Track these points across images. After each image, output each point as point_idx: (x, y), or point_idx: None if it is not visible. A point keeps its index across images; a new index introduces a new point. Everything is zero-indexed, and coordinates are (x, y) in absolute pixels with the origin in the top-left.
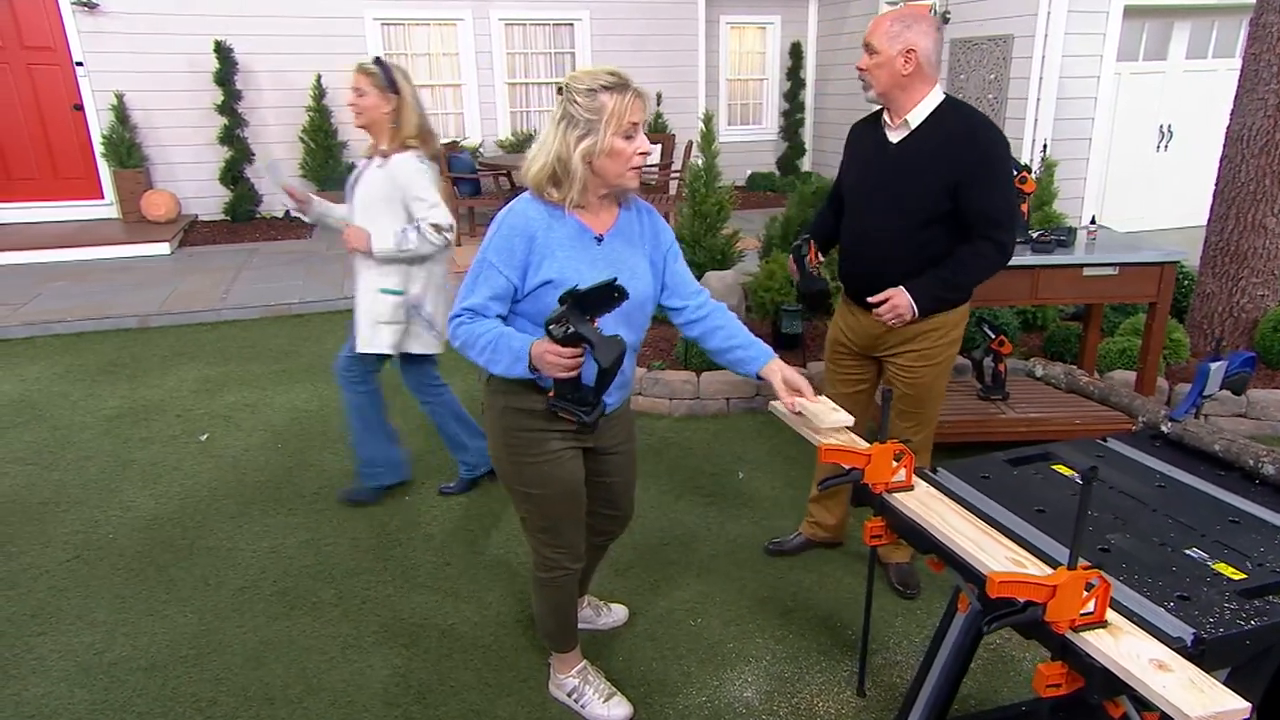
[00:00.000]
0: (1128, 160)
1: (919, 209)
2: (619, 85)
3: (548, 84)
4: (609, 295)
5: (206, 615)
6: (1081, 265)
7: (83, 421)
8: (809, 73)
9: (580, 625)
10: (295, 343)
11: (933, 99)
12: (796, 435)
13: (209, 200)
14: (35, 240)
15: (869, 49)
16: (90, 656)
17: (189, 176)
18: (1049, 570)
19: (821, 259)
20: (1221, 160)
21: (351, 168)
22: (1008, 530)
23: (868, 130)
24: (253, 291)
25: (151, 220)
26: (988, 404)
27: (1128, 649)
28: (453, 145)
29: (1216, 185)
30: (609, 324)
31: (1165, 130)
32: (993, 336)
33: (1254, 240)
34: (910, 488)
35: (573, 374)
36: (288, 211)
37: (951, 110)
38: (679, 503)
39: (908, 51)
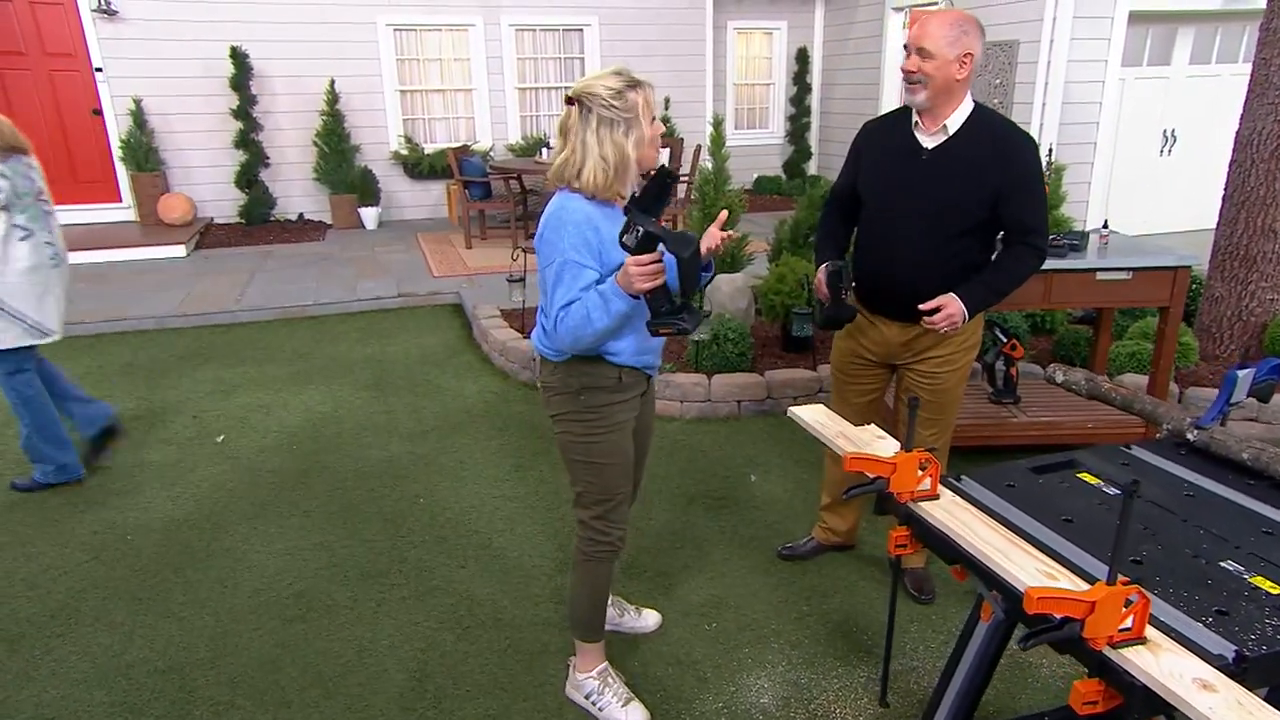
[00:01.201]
0: (1131, 165)
1: (957, 217)
2: (634, 82)
3: (557, 89)
4: (662, 184)
5: (223, 617)
6: (1094, 270)
7: None
8: (815, 77)
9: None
10: (309, 345)
11: (967, 105)
12: (807, 438)
13: (224, 203)
14: None
15: (922, 52)
16: (108, 659)
17: (205, 180)
18: (1082, 583)
19: (853, 284)
20: (1231, 164)
21: (365, 171)
22: (1035, 541)
23: (890, 132)
24: (267, 293)
25: (168, 223)
26: (999, 408)
27: (1169, 667)
28: (464, 149)
29: (1226, 189)
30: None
31: (1169, 135)
32: (1004, 340)
33: (1263, 244)
34: (936, 497)
35: (659, 280)
36: (301, 214)
37: (988, 118)
38: (691, 505)
39: (965, 56)
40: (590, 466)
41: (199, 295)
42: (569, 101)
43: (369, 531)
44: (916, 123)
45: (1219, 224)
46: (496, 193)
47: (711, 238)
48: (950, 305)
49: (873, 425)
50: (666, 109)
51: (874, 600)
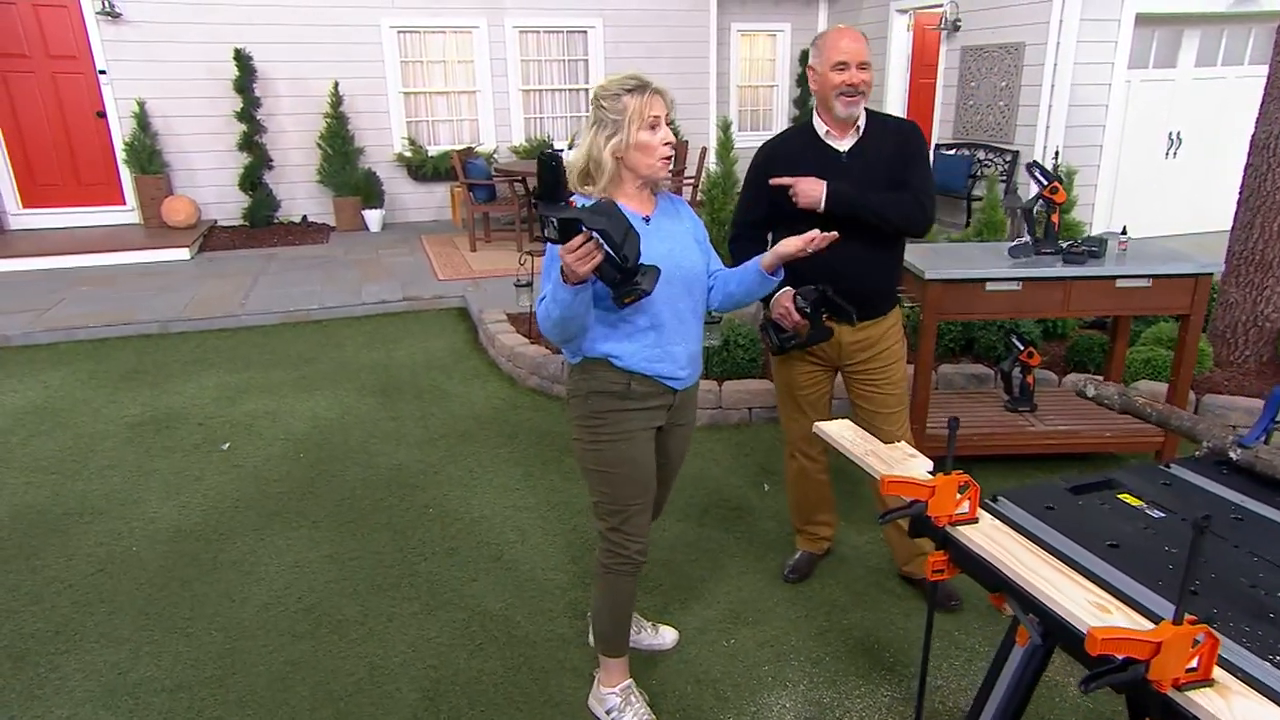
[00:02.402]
0: (1137, 167)
1: None
2: (638, 86)
3: (561, 90)
4: (549, 167)
5: (231, 633)
6: (1114, 277)
7: (105, 430)
8: None
9: None
10: (314, 349)
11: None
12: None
13: (228, 205)
14: (59, 246)
15: (865, 65)
16: (114, 676)
17: (208, 182)
18: (1139, 618)
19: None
20: (1246, 168)
21: (369, 173)
22: (1081, 568)
23: (798, 149)
24: (272, 297)
25: (172, 225)
26: (1016, 416)
27: (1242, 713)
28: (468, 151)
29: (1241, 193)
30: (674, 308)
31: (1174, 138)
32: (1021, 348)
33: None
34: (975, 520)
35: (595, 260)
36: (305, 217)
37: (876, 115)
38: (705, 516)
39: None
40: (600, 475)
41: (203, 299)
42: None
43: (378, 543)
44: (828, 131)
45: (1233, 228)
46: (501, 195)
47: (791, 243)
48: (812, 184)
49: (903, 443)
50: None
51: (892, 614)
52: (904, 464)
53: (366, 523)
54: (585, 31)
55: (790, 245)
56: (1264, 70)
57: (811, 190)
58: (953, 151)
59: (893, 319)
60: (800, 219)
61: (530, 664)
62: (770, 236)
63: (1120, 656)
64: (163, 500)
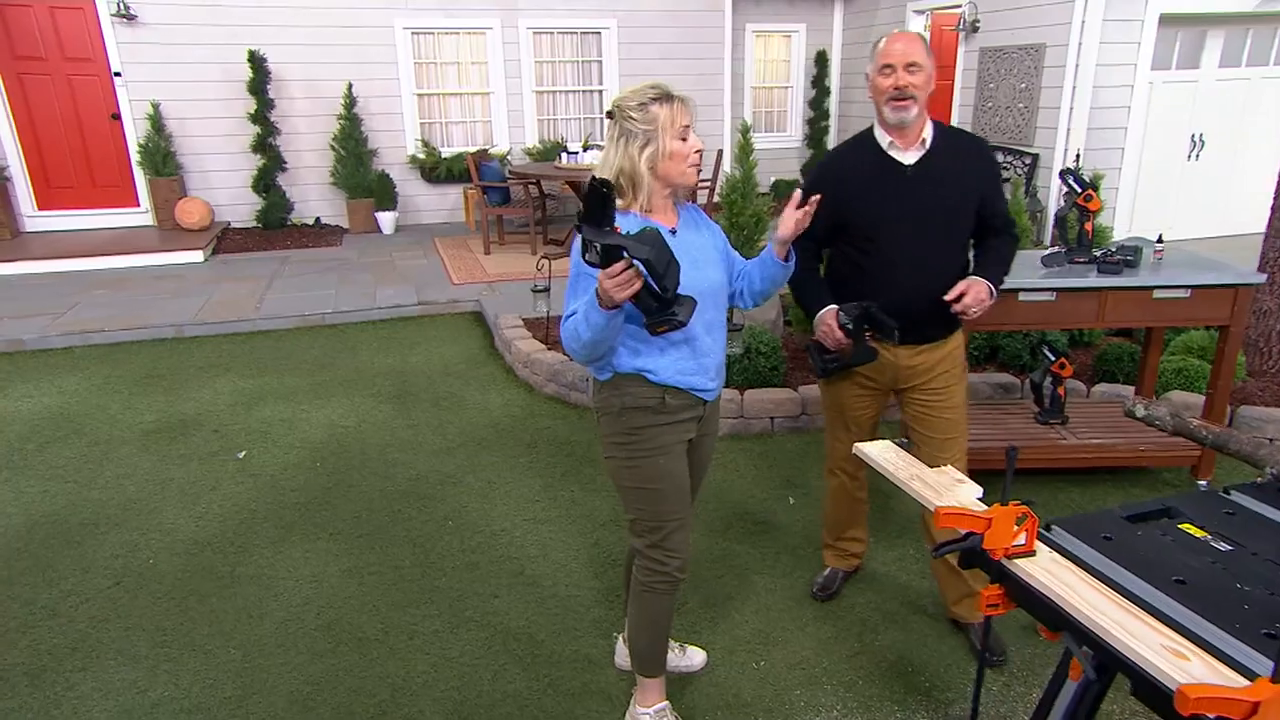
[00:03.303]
0: (1159, 170)
1: (952, 226)
2: (664, 96)
3: (575, 92)
4: (599, 193)
5: (250, 650)
6: (1153, 288)
7: (121, 436)
8: (833, 80)
9: None
10: (330, 354)
11: (929, 121)
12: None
13: (241, 207)
14: (73, 248)
15: (913, 67)
16: (132, 696)
17: (222, 184)
18: (1214, 662)
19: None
20: None
21: (382, 175)
22: (1149, 606)
23: (856, 161)
24: (286, 301)
25: (185, 228)
26: (1047, 429)
27: None
28: (482, 153)
29: (1276, 199)
30: (704, 320)
31: (1197, 139)
32: (1053, 359)
33: None
34: (1032, 552)
35: (636, 286)
36: (318, 219)
37: (944, 127)
38: (730, 531)
39: (935, 69)
40: (639, 492)
41: (218, 302)
42: (609, 115)
43: (397, 556)
44: (891, 143)
45: (1267, 234)
46: (515, 198)
47: (786, 224)
48: (975, 286)
49: (949, 467)
50: None
51: (925, 635)
52: (952, 490)
53: (385, 535)
54: (599, 33)
55: (787, 224)
56: None
57: (981, 294)
58: None
59: (953, 343)
60: (859, 237)
61: (556, 686)
62: (826, 254)
63: (1212, 716)
64: (179, 510)
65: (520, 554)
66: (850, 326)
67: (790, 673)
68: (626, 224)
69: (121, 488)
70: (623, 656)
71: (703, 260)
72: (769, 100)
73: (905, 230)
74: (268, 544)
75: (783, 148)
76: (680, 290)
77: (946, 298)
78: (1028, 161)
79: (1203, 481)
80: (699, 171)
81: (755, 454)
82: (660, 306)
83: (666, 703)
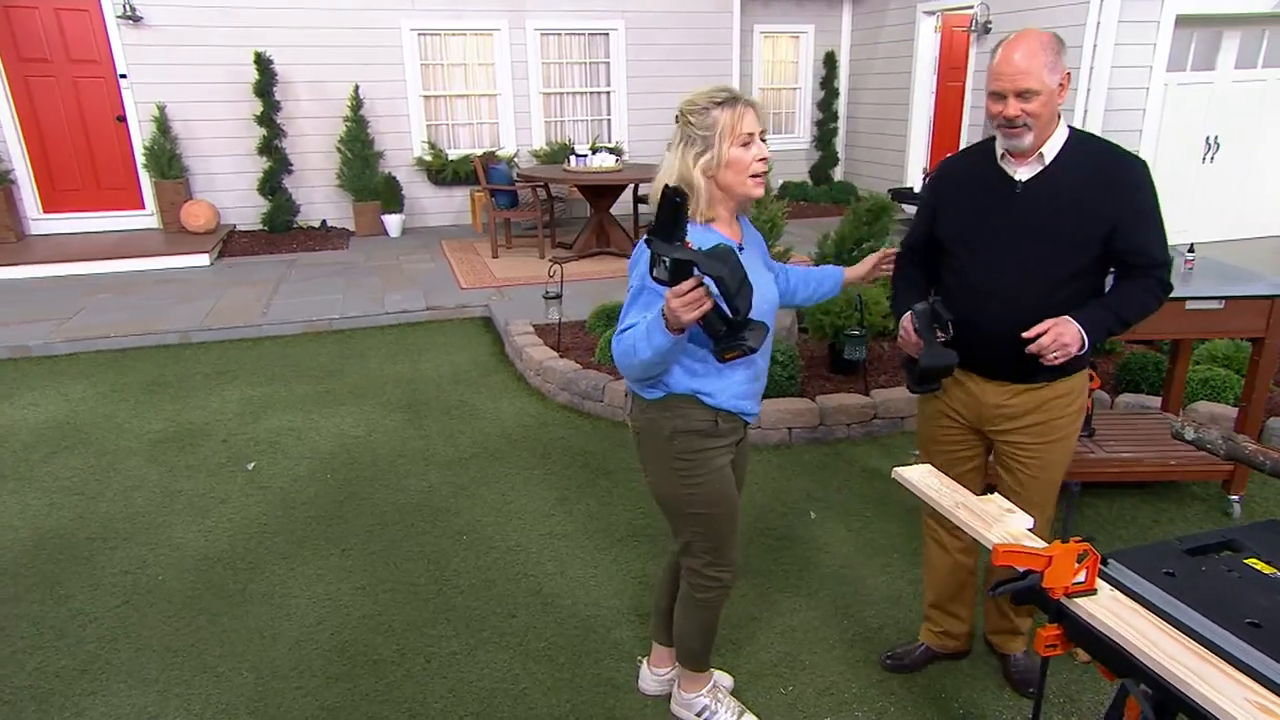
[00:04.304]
0: (1173, 173)
1: (1062, 256)
2: (729, 100)
3: (583, 94)
4: (672, 203)
5: (263, 673)
6: (1185, 299)
7: (128, 446)
8: (842, 82)
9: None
10: (338, 361)
11: (1062, 129)
12: (866, 471)
13: (247, 210)
14: (78, 252)
15: (1030, 94)
16: None
17: (228, 187)
18: None
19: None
20: None
21: (389, 177)
22: (1226, 654)
23: (972, 168)
24: (293, 306)
25: (191, 230)
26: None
27: None
28: (489, 156)
29: None
30: (764, 343)
31: (1212, 142)
32: None
33: None
34: (1093, 591)
35: (706, 306)
36: (324, 221)
37: (1086, 141)
38: (750, 547)
39: (1065, 77)
40: (697, 517)
41: (224, 308)
42: (676, 119)
43: (412, 573)
44: (1004, 154)
45: None
46: (524, 200)
47: (866, 265)
48: (1062, 327)
49: (997, 495)
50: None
51: (961, 663)
52: (1001, 520)
53: (399, 551)
54: (607, 34)
55: (866, 266)
56: None
57: (1065, 340)
58: None
59: (1057, 391)
60: (949, 253)
61: (578, 712)
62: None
63: None
64: (188, 524)
65: (537, 570)
66: (919, 326)
67: (819, 699)
68: (707, 240)
69: (129, 500)
70: (648, 681)
71: (762, 281)
72: (777, 102)
73: (1000, 253)
74: (279, 560)
75: (791, 149)
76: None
77: (1025, 335)
78: None
79: (1235, 496)
80: (763, 183)
81: (774, 466)
82: (730, 331)
83: (714, 680)
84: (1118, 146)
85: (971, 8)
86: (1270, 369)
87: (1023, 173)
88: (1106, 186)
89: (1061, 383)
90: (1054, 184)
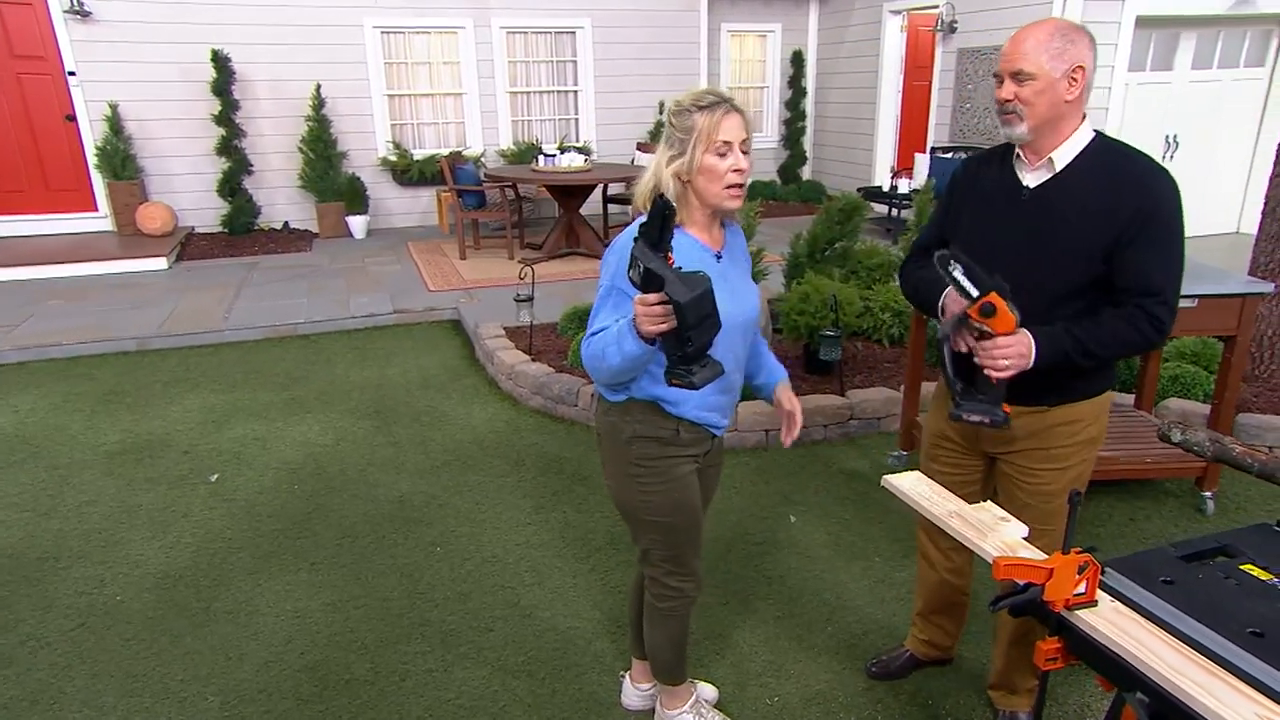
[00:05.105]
0: None
1: (1062, 272)
2: (712, 104)
3: (550, 92)
4: (660, 214)
5: (229, 697)
6: None
7: (83, 459)
8: (810, 81)
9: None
10: (302, 367)
11: (1083, 134)
12: (845, 472)
13: (206, 212)
14: (27, 256)
15: (1019, 76)
16: None
17: (185, 188)
18: None
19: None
20: (1272, 178)
21: (353, 178)
22: (1230, 665)
23: (990, 169)
24: (255, 310)
25: (147, 233)
26: None
27: None
28: (456, 156)
29: (1266, 204)
30: (735, 354)
31: (1171, 140)
32: None
33: None
34: (1093, 602)
35: (663, 327)
36: (286, 223)
37: (1108, 150)
38: (730, 553)
39: (1075, 71)
40: (652, 524)
41: (183, 313)
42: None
43: (384, 587)
44: (1019, 155)
45: (1258, 239)
46: (491, 201)
47: (790, 419)
48: (1013, 342)
49: (990, 504)
50: (660, 113)
51: (951, 669)
52: (995, 529)
53: (370, 564)
54: (574, 32)
55: (780, 396)
56: (1260, 73)
57: (1013, 359)
58: (949, 155)
59: (1065, 416)
60: (966, 251)
61: None
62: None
63: None
64: (148, 540)
65: (514, 581)
66: (949, 377)
67: (806, 708)
68: (680, 243)
69: (84, 516)
70: (630, 696)
71: (741, 289)
72: (745, 101)
73: (1001, 263)
74: (245, 575)
75: (759, 149)
76: (722, 322)
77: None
78: None
79: (1208, 493)
80: (739, 195)
81: (751, 469)
82: (682, 358)
83: (696, 693)
84: (1144, 156)
85: (937, 7)
86: (1241, 366)
87: (1031, 179)
88: (1114, 199)
89: (1062, 409)
90: (1061, 193)
